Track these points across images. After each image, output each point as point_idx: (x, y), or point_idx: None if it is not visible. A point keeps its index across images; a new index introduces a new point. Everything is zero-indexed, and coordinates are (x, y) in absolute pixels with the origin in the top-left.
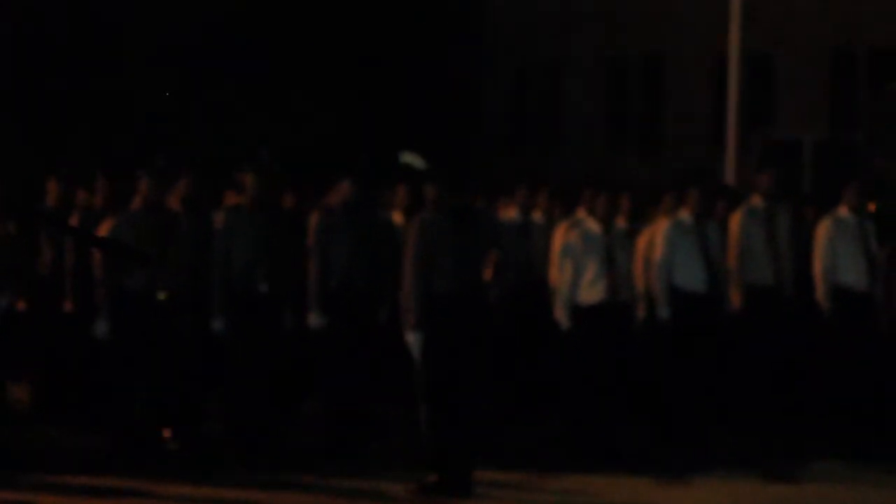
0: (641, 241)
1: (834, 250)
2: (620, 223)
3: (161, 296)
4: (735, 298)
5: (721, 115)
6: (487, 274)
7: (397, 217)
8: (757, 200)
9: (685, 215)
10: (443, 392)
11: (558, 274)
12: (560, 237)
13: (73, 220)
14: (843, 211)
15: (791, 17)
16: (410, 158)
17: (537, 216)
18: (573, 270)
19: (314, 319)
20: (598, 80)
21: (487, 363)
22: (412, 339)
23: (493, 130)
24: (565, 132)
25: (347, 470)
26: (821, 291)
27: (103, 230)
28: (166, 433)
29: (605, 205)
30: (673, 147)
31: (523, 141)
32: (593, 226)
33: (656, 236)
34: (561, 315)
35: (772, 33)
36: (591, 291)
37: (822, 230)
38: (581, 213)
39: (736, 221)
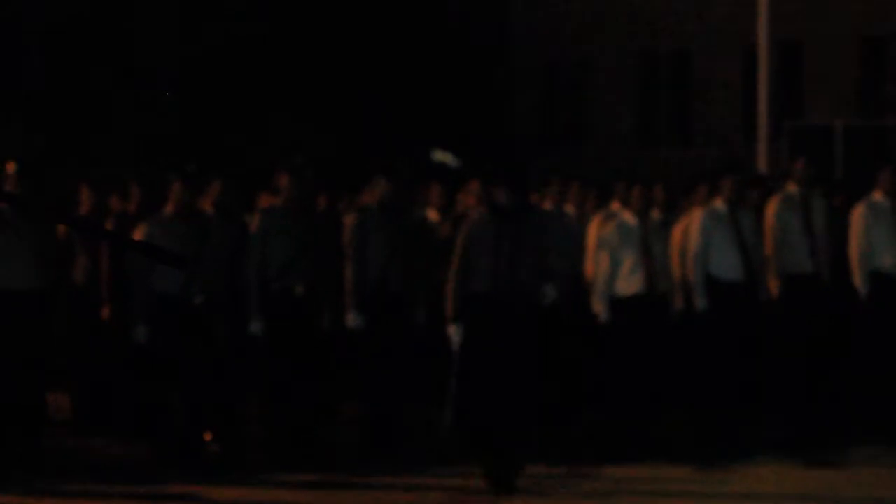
0: (677, 232)
1: (869, 235)
2: (655, 215)
3: (197, 300)
4: (772, 286)
5: (751, 105)
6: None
7: (432, 215)
8: (792, 188)
9: (719, 205)
10: (472, 390)
11: (594, 267)
12: (595, 230)
13: (108, 227)
14: (878, 196)
15: (819, 6)
16: (443, 156)
17: (570, 209)
18: (610, 263)
19: (352, 320)
20: (627, 74)
21: (529, 365)
22: (451, 331)
23: (523, 127)
24: (596, 127)
25: (386, 470)
26: (857, 276)
27: (136, 236)
28: (207, 437)
29: (640, 197)
30: (704, 139)
31: (554, 137)
32: (629, 218)
33: (691, 226)
34: (599, 307)
35: (800, 22)
36: (629, 283)
37: (858, 215)
38: (615, 206)
39: (771, 209)
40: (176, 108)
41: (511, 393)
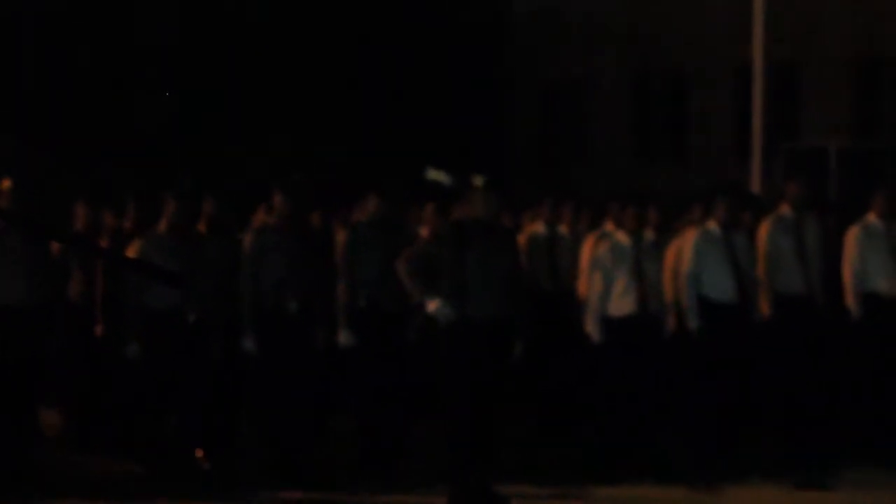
0: (670, 253)
1: (863, 257)
2: (648, 235)
3: (191, 317)
4: (764, 307)
5: (746, 125)
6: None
7: (425, 233)
8: (785, 209)
9: (713, 226)
10: (459, 405)
11: (587, 287)
12: (588, 250)
13: (102, 244)
14: (872, 218)
15: (814, 27)
16: (437, 174)
17: (563, 230)
18: (603, 283)
19: (344, 338)
20: (623, 94)
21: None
22: (433, 306)
23: (520, 148)
24: (591, 147)
25: (378, 487)
26: (851, 298)
27: (130, 253)
28: (199, 454)
29: (633, 217)
30: (698, 159)
31: (550, 157)
32: (622, 238)
33: (684, 247)
34: (592, 328)
35: (795, 43)
36: (621, 303)
37: (852, 237)
38: (609, 226)
39: (765, 231)
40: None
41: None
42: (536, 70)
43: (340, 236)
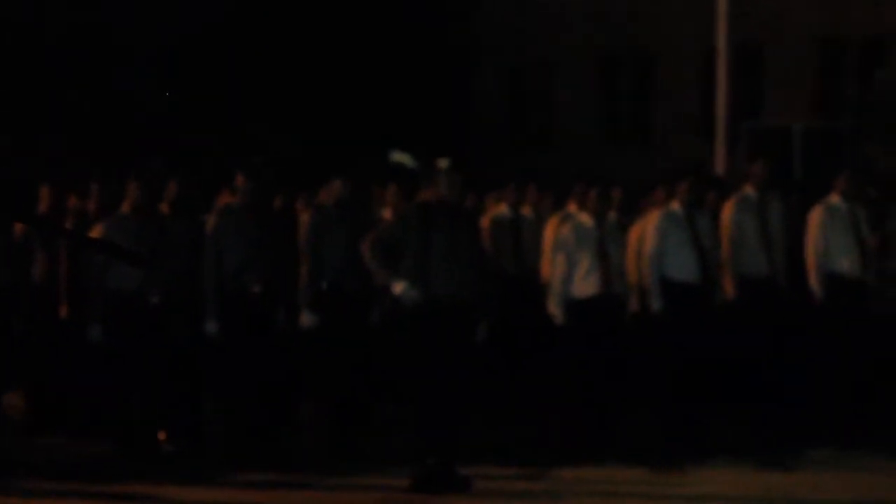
0: (633, 234)
1: (826, 238)
2: (612, 216)
3: (154, 298)
4: (728, 288)
5: (710, 106)
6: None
7: (388, 215)
8: (749, 190)
9: (676, 207)
10: (425, 387)
11: (550, 268)
12: (551, 232)
13: (67, 226)
14: (835, 198)
15: (779, 8)
16: (401, 157)
17: (526, 212)
18: (566, 264)
19: (305, 319)
20: (590, 77)
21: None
22: (399, 289)
23: (486, 129)
24: (558, 129)
25: (344, 469)
26: (814, 279)
27: (94, 235)
28: (162, 436)
29: (597, 199)
30: (664, 140)
31: (517, 139)
32: (585, 219)
33: (648, 228)
34: (555, 309)
35: (760, 25)
36: (585, 285)
37: (815, 218)
38: (572, 208)
39: (728, 211)
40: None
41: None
42: (503, 52)
43: (304, 218)
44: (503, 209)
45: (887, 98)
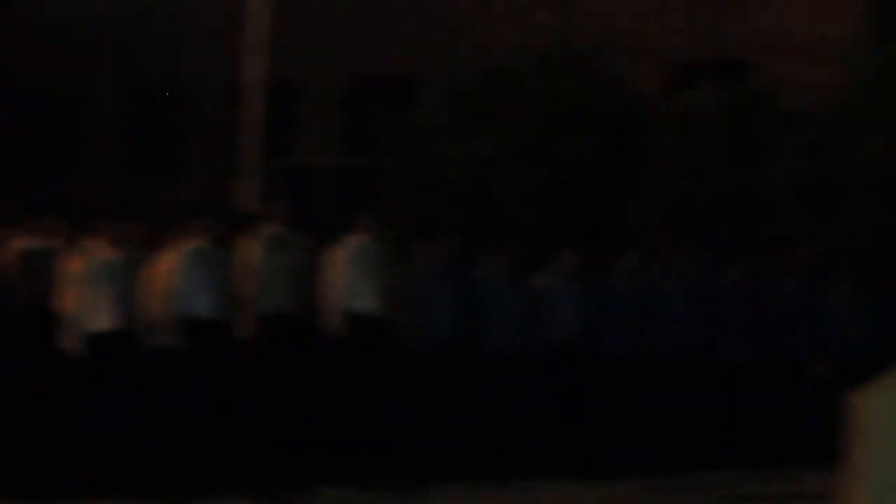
0: (158, 268)
1: (348, 276)
2: (136, 251)
3: None
4: (250, 325)
5: (239, 142)
6: None
7: None
8: (273, 228)
9: (201, 243)
10: None
11: (72, 301)
12: (68, 265)
13: None
14: (358, 236)
15: (312, 45)
16: None
17: (34, 242)
18: (86, 297)
19: None
20: (118, 110)
21: None
22: None
23: (8, 154)
24: (87, 161)
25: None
26: (336, 317)
27: None
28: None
29: (118, 231)
30: (192, 175)
31: (43, 167)
32: (104, 252)
33: (171, 264)
34: (69, 343)
35: (292, 61)
36: (104, 319)
37: (338, 256)
38: (89, 241)
39: (253, 249)
40: None
41: None
42: (22, 80)
43: None
44: (33, 241)
45: (412, 138)
